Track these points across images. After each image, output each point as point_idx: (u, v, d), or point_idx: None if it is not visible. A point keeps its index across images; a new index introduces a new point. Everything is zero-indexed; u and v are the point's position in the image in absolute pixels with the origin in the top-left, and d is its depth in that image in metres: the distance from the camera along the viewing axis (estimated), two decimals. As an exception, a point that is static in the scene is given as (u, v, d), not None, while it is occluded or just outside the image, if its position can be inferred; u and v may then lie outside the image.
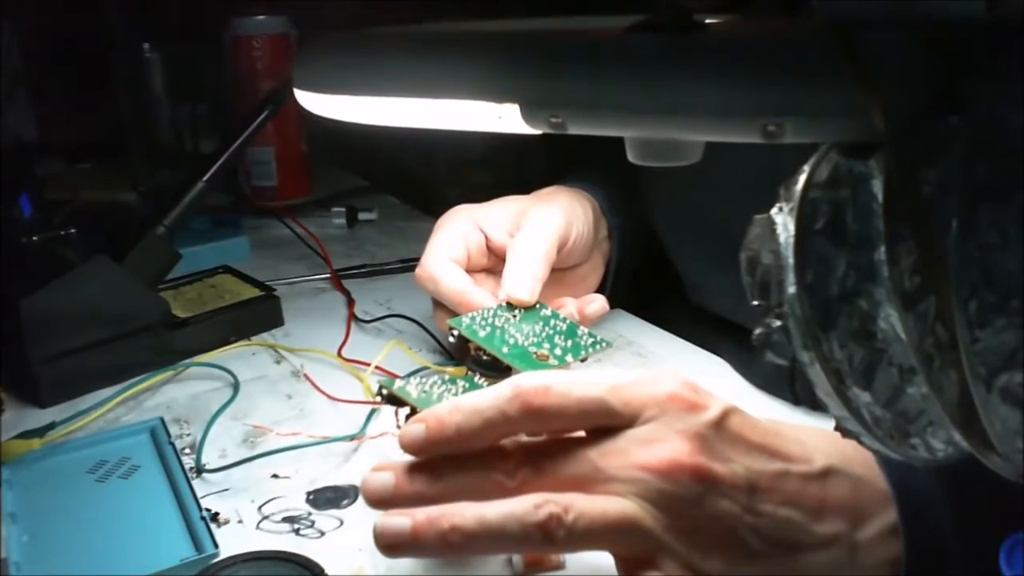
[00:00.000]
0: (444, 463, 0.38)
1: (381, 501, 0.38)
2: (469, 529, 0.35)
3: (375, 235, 0.94)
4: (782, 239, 0.28)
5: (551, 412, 0.37)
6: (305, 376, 0.62)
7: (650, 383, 0.38)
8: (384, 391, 0.47)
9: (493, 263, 0.63)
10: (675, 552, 0.35)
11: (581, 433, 0.39)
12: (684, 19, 0.29)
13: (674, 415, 0.37)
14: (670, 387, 0.38)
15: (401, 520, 0.36)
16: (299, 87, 0.40)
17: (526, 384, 0.38)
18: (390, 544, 0.36)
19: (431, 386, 0.47)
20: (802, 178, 0.29)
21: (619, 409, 0.38)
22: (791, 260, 0.28)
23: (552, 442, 0.38)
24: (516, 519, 0.35)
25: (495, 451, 0.38)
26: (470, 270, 0.61)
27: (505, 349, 0.52)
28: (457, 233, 0.62)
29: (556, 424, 0.38)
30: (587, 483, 0.36)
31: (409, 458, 0.39)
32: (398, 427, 0.46)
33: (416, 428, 0.38)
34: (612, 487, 0.36)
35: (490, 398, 0.38)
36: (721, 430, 0.37)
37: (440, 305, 0.61)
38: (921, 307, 0.26)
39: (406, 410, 0.46)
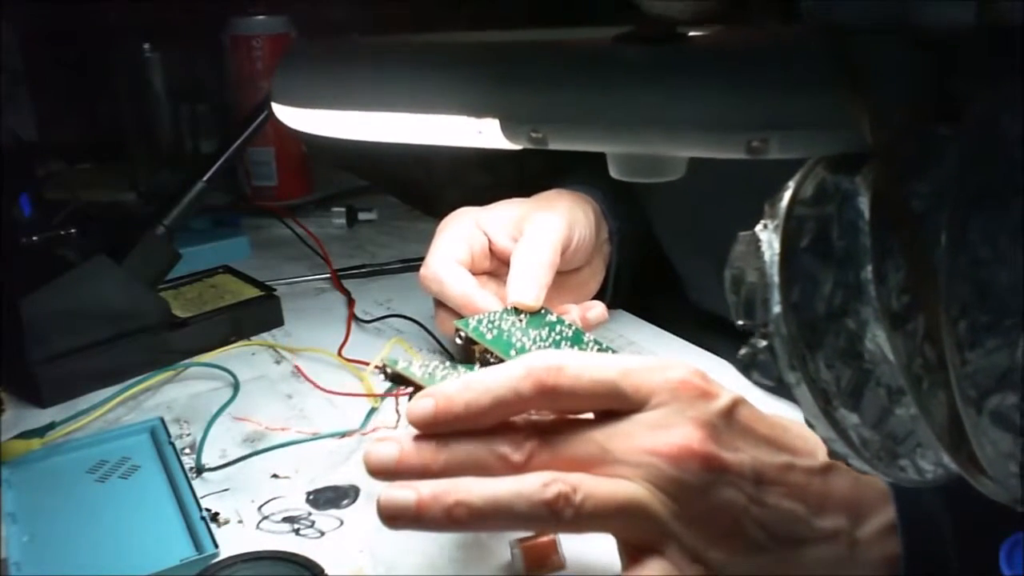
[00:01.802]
0: (450, 436, 0.38)
1: (384, 472, 0.37)
2: (475, 505, 0.35)
3: (375, 235, 0.94)
4: (767, 257, 0.28)
5: (563, 392, 0.37)
6: (296, 368, 0.62)
7: (661, 369, 0.38)
8: (388, 370, 0.46)
9: (495, 267, 0.63)
10: (680, 539, 0.35)
11: (588, 415, 0.39)
12: (667, 31, 0.29)
13: (685, 402, 0.37)
14: (681, 374, 0.38)
15: (406, 493, 0.35)
16: (276, 101, 0.40)
17: (539, 363, 0.37)
18: (393, 516, 0.35)
19: (434, 368, 0.47)
20: (787, 195, 0.28)
21: (630, 393, 0.37)
22: (776, 278, 0.28)
23: (561, 421, 0.38)
24: (524, 497, 0.34)
25: (503, 426, 0.38)
26: (473, 273, 0.61)
27: (513, 352, 0.52)
28: (461, 235, 0.62)
29: (566, 404, 0.38)
30: (595, 464, 0.36)
31: (414, 431, 0.38)
32: (397, 412, 0.46)
33: (424, 403, 0.38)
34: (620, 470, 0.36)
35: (501, 376, 0.37)
36: (730, 420, 0.37)
37: (442, 307, 0.61)
38: (909, 327, 0.26)
39: (408, 392, 0.46)
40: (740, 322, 0.29)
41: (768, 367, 0.29)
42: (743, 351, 0.29)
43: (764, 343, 0.28)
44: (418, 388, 0.45)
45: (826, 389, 0.28)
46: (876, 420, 0.28)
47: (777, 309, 0.28)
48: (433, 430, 0.38)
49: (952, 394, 0.25)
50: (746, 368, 0.29)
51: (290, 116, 0.40)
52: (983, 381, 0.24)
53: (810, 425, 0.29)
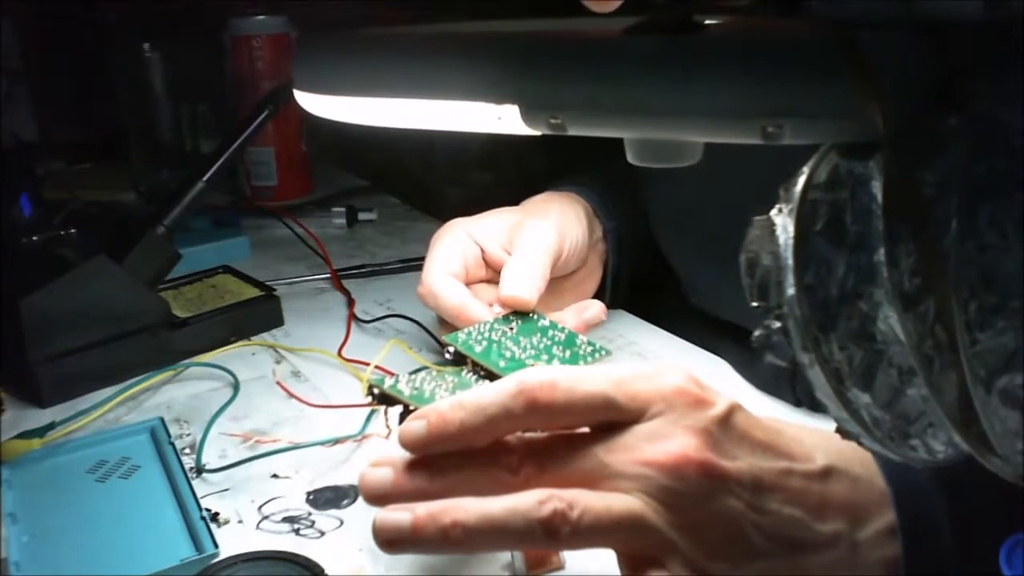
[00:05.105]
0: (444, 458, 0.37)
1: (379, 497, 0.37)
2: (471, 524, 0.34)
3: (375, 235, 0.94)
4: (781, 240, 0.28)
5: (556, 408, 0.37)
6: (281, 385, 0.61)
7: (655, 378, 0.38)
8: (375, 390, 0.46)
9: (491, 275, 0.63)
10: (680, 550, 0.35)
11: (585, 429, 0.38)
12: (684, 20, 0.29)
13: (681, 411, 0.37)
14: (676, 382, 0.38)
15: (401, 515, 0.35)
16: (298, 88, 0.40)
17: (530, 380, 0.37)
18: (389, 539, 0.35)
19: (421, 383, 0.47)
20: (801, 179, 0.29)
21: (625, 405, 0.37)
22: (790, 261, 0.28)
23: (556, 437, 0.38)
24: (520, 515, 0.34)
25: (498, 446, 0.37)
26: (469, 282, 0.61)
27: (502, 363, 0.51)
28: (454, 247, 0.62)
29: (561, 420, 0.38)
30: (592, 479, 0.36)
31: (407, 453, 0.38)
32: (387, 427, 0.46)
33: (417, 425, 0.37)
34: (618, 483, 0.35)
35: (493, 394, 0.37)
36: (727, 427, 0.37)
37: (443, 318, 0.62)
38: (921, 308, 0.26)
39: (397, 409, 0.46)
40: (754, 303, 0.30)
41: (782, 348, 0.29)
42: (757, 332, 0.30)
43: (778, 325, 0.29)
44: (406, 406, 0.45)
45: (839, 369, 0.28)
46: (888, 400, 0.28)
47: (791, 291, 0.28)
48: (427, 451, 0.37)
49: (962, 374, 0.25)
50: (760, 349, 0.29)
51: (312, 103, 0.40)
52: (992, 361, 0.25)
53: (822, 406, 0.29)
